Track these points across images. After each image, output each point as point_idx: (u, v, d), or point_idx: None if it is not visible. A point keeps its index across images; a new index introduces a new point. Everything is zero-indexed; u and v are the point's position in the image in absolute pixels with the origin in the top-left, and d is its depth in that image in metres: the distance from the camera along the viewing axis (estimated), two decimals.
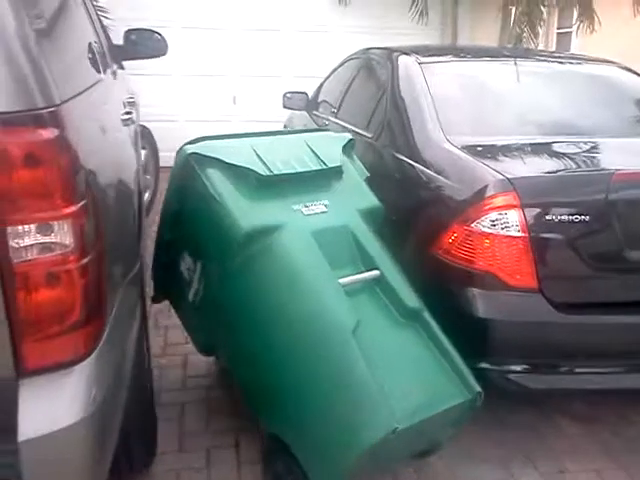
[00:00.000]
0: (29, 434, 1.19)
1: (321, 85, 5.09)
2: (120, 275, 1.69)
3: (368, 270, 2.08)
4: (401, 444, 1.94)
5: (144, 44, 4.18)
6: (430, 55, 3.67)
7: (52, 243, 1.26)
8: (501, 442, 2.54)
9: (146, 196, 5.13)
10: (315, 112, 4.80)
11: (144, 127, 5.37)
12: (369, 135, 3.33)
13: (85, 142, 1.45)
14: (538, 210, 2.30)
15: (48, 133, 1.23)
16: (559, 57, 4.03)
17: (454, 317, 2.35)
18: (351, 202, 2.24)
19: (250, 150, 2.15)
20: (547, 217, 2.29)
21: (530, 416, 2.72)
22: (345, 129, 3.79)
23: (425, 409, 1.89)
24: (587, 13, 7.03)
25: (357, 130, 3.57)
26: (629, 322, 2.34)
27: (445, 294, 2.41)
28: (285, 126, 6.20)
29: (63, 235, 1.26)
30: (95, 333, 1.38)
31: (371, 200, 2.34)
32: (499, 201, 2.30)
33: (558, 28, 9.43)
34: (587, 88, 3.35)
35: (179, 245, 2.32)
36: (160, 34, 4.21)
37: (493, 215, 2.29)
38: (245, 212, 2.02)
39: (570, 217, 2.28)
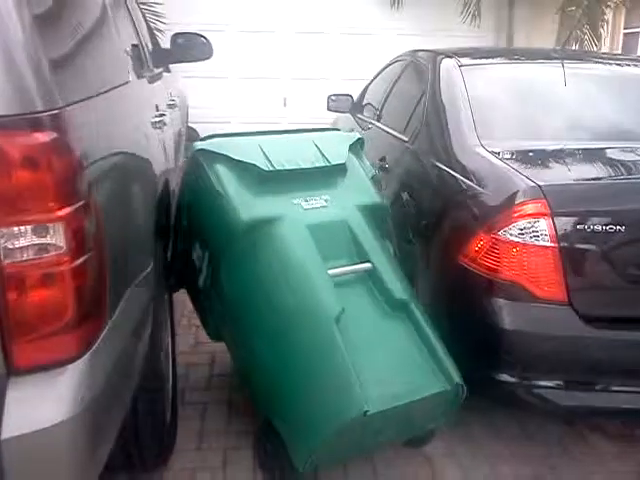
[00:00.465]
0: (12, 432, 1.21)
1: (366, 87, 5.05)
2: (127, 276, 1.71)
3: (361, 263, 2.16)
4: (381, 428, 2.04)
5: (190, 47, 4.25)
6: (475, 58, 3.58)
7: (47, 244, 1.28)
8: (529, 458, 2.44)
9: None
10: (359, 115, 4.77)
11: (192, 129, 5.48)
12: (405, 139, 3.28)
13: (91, 145, 1.47)
14: (570, 219, 2.19)
15: (45, 136, 1.25)
16: (612, 58, 3.85)
17: (479, 327, 2.30)
18: (352, 198, 2.32)
19: (257, 147, 2.27)
20: (579, 227, 2.18)
21: (560, 433, 2.60)
22: (386, 133, 3.76)
23: (400, 396, 1.96)
24: None
25: (395, 134, 3.53)
26: None
27: (471, 304, 2.34)
28: None
29: (57, 237, 1.28)
30: (90, 334, 1.39)
31: (373, 197, 2.41)
32: (529, 209, 2.20)
33: (625, 29, 9.06)
34: (638, 90, 3.19)
35: (191, 234, 2.44)
36: (206, 38, 4.26)
37: (522, 223, 2.20)
38: (246, 204, 2.16)
39: (604, 227, 2.16)
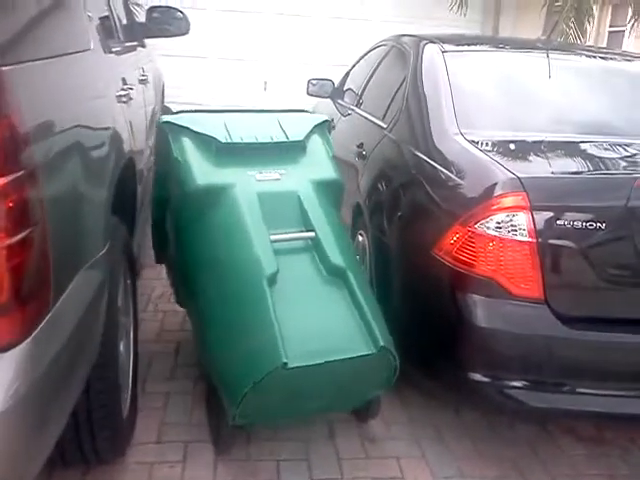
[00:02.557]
0: None
1: (348, 72, 4.93)
2: (77, 258, 1.58)
3: (306, 232, 2.26)
4: (310, 391, 2.10)
5: (166, 22, 4.11)
6: (460, 45, 3.48)
7: None
8: (497, 459, 2.38)
9: None
10: (339, 100, 4.65)
11: (168, 109, 5.32)
12: (384, 125, 3.18)
13: (34, 111, 1.34)
14: (550, 214, 2.10)
15: None
16: (597, 52, 3.78)
17: (450, 323, 2.22)
18: (307, 173, 2.42)
19: (220, 122, 2.43)
20: (559, 222, 2.09)
21: (530, 434, 2.54)
22: (365, 119, 3.66)
23: (322, 354, 2.00)
24: None
25: (374, 120, 3.43)
26: None
27: (443, 299, 2.25)
28: None
29: None
30: (29, 319, 1.28)
31: (329, 173, 2.50)
32: (507, 202, 2.12)
33: (610, 26, 9.03)
34: (623, 85, 3.12)
35: (164, 205, 2.56)
36: (183, 12, 4.12)
37: (499, 216, 2.11)
38: (203, 172, 2.30)
39: (585, 223, 2.08)
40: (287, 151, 2.45)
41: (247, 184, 2.30)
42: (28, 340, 1.26)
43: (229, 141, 2.36)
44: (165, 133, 2.39)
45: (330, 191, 2.45)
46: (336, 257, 2.20)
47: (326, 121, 2.65)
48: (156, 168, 2.58)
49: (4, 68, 1.21)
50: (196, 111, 2.61)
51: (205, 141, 2.35)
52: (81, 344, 1.62)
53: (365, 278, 2.37)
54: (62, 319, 1.43)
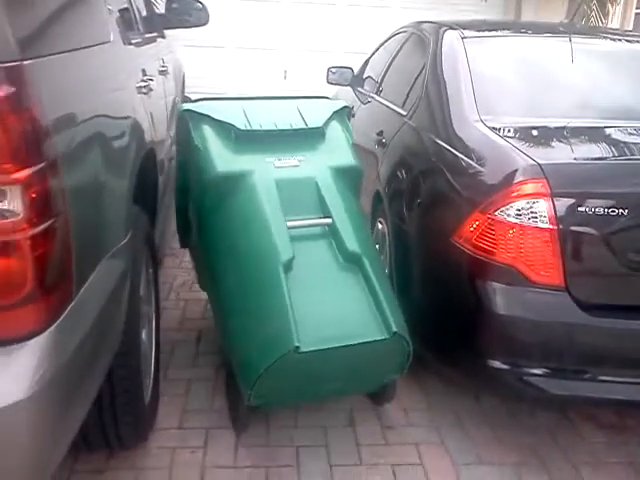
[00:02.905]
0: None
1: (367, 60, 4.90)
2: (99, 248, 1.61)
3: (323, 218, 2.28)
4: (325, 374, 2.15)
5: (186, 13, 4.12)
6: (480, 30, 3.44)
7: (2, 211, 1.18)
8: (516, 446, 2.38)
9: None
10: (359, 88, 4.63)
11: (188, 98, 5.34)
12: (403, 113, 3.16)
13: (56, 103, 1.36)
14: (571, 200, 2.08)
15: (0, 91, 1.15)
16: (622, 35, 3.70)
17: (471, 311, 2.21)
18: (326, 159, 2.44)
19: (240, 110, 2.46)
20: (580, 209, 2.07)
21: (550, 421, 2.53)
22: (385, 107, 3.64)
23: (335, 339, 2.05)
24: None
25: (393, 107, 3.41)
26: None
27: (463, 286, 2.25)
28: None
29: (14, 202, 1.19)
30: (53, 308, 1.31)
31: (348, 160, 2.51)
32: (528, 188, 2.10)
33: (637, 8, 8.83)
34: None
35: (186, 192, 2.57)
36: (202, 3, 4.12)
37: (520, 203, 2.09)
38: (223, 159, 2.34)
39: (606, 210, 2.05)
40: (306, 138, 2.47)
41: (265, 171, 2.33)
42: (52, 328, 1.29)
43: (248, 128, 2.39)
44: (186, 121, 2.43)
45: (349, 178, 2.46)
46: (352, 244, 2.21)
47: (346, 107, 2.66)
48: (178, 156, 2.63)
49: (25, 62, 1.23)
50: (216, 99, 2.64)
51: (224, 128, 2.38)
52: (104, 332, 1.66)
53: (381, 265, 2.41)
54: (85, 308, 1.46)
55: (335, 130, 2.56)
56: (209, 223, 2.39)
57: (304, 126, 2.47)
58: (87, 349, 1.49)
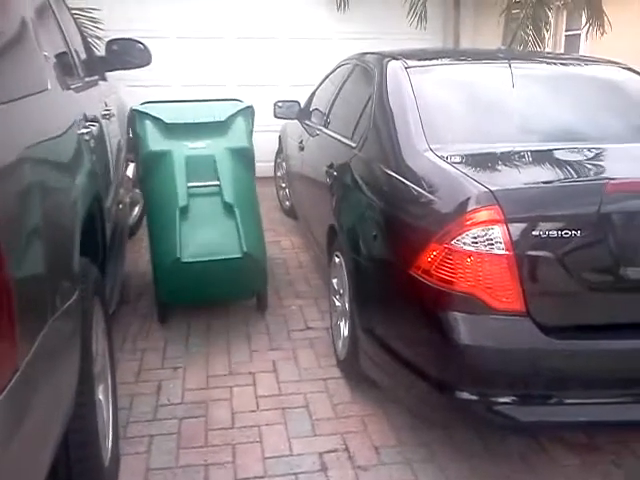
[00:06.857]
0: None
1: (313, 92, 4.93)
2: (46, 307, 1.52)
3: (213, 181, 3.40)
4: (210, 280, 3.29)
5: (127, 54, 4.07)
6: (422, 60, 3.48)
7: None
8: (491, 477, 2.34)
9: (135, 211, 4.99)
10: (307, 121, 4.64)
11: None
12: (353, 145, 3.16)
13: None
14: (524, 225, 2.09)
15: None
16: (557, 58, 3.81)
17: (434, 343, 2.18)
18: (225, 143, 3.50)
19: (169, 109, 3.58)
20: (535, 233, 2.08)
21: (522, 447, 2.51)
22: (333, 139, 3.64)
23: (206, 255, 3.21)
24: (597, 15, 6.74)
25: (342, 139, 3.41)
26: (627, 347, 2.13)
27: (425, 319, 2.22)
28: (279, 137, 6.04)
29: None
30: None
31: (242, 143, 3.55)
32: (482, 216, 2.09)
33: (566, 31, 9.19)
34: (586, 90, 3.15)
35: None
36: (143, 44, 4.08)
37: (475, 231, 2.09)
38: (154, 142, 3.45)
39: (560, 232, 2.07)
40: (214, 128, 3.51)
41: (181, 150, 3.42)
42: None
43: (173, 122, 3.47)
44: (133, 116, 3.54)
45: (241, 155, 3.51)
46: (230, 198, 3.36)
47: (249, 107, 3.65)
48: (132, 140, 3.74)
49: None
50: (157, 102, 3.66)
51: (157, 122, 3.47)
52: (56, 398, 1.55)
53: (253, 214, 3.50)
54: (32, 375, 1.36)
55: (237, 123, 3.58)
56: (145, 180, 3.52)
57: (212, 119, 3.50)
58: (38, 418, 1.39)
